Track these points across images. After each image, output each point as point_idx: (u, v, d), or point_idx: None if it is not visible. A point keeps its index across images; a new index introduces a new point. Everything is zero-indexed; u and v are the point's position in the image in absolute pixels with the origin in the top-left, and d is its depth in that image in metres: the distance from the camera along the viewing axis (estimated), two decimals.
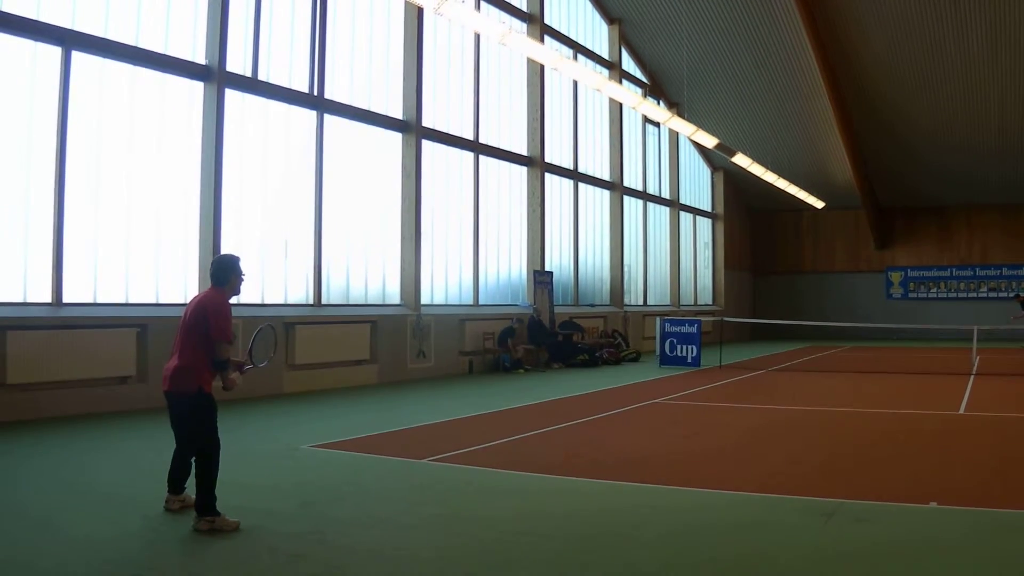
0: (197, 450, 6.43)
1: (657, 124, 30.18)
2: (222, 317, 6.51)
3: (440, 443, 9.99)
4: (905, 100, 28.09)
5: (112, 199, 13.30)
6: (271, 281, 15.82)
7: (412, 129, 18.60)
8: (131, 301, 13.41)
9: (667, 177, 32.37)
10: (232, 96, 14.83)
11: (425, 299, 18.97)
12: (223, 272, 6.68)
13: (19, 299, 11.99)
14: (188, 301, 6.81)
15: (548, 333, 21.99)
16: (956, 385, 16.17)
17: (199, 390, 6.44)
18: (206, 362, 6.48)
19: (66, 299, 12.44)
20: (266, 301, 15.59)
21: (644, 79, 29.47)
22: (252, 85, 15.31)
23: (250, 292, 15.27)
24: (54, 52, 12.31)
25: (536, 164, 23.07)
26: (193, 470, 6.42)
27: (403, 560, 5.61)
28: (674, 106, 29.39)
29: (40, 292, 12.22)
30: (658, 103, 28.37)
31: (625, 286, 28.19)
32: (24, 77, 12.13)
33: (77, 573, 5.31)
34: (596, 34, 26.86)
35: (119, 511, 6.73)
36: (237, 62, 14.99)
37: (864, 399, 14.50)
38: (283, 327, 15.23)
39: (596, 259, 27.09)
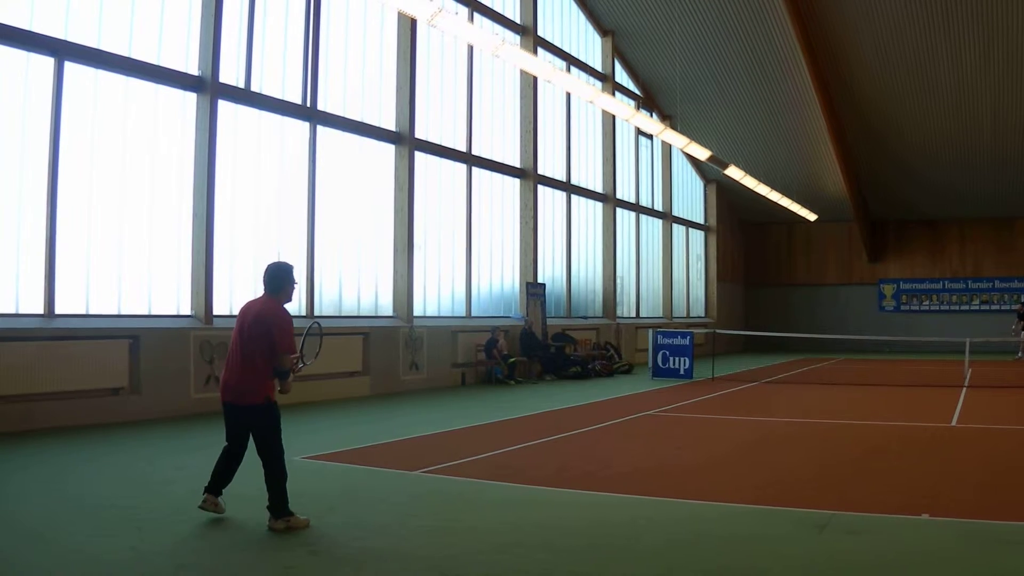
0: (273, 456, 6.58)
1: (650, 136, 30.29)
2: (286, 331, 6.63)
3: (432, 455, 9.97)
4: (898, 113, 28.22)
5: (105, 210, 13.28)
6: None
7: (405, 141, 18.62)
8: (124, 312, 13.38)
9: (660, 189, 32.43)
10: (225, 107, 14.83)
11: (418, 311, 18.96)
12: (277, 280, 6.77)
13: (11, 310, 11.94)
14: (240, 309, 6.93)
15: (541, 345, 21.99)
16: (948, 397, 16.19)
17: (267, 400, 6.62)
18: (269, 372, 6.61)
19: (58, 310, 12.40)
20: None
21: (637, 91, 29.57)
22: (245, 96, 15.32)
23: (242, 303, 15.21)
24: (47, 63, 12.31)
25: (529, 176, 23.11)
26: (264, 475, 6.58)
27: (395, 571, 5.60)
28: (667, 118, 29.50)
29: (32, 303, 12.18)
30: (651, 115, 28.45)
31: (618, 298, 28.19)
32: (17, 87, 12.12)
33: None
34: (589, 46, 26.95)
35: (111, 522, 6.70)
36: (230, 73, 15.00)
37: (856, 411, 14.51)
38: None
39: (589, 271, 27.11)
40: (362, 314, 17.82)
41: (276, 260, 6.99)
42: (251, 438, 6.77)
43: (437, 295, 20.25)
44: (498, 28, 21.80)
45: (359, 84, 17.96)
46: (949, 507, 7.28)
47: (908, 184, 32.87)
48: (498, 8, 22.09)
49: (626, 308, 29.48)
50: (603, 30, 27.23)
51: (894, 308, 37.03)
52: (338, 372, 16.50)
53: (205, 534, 6.33)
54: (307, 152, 16.66)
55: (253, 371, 6.58)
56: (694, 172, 35.33)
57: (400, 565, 5.72)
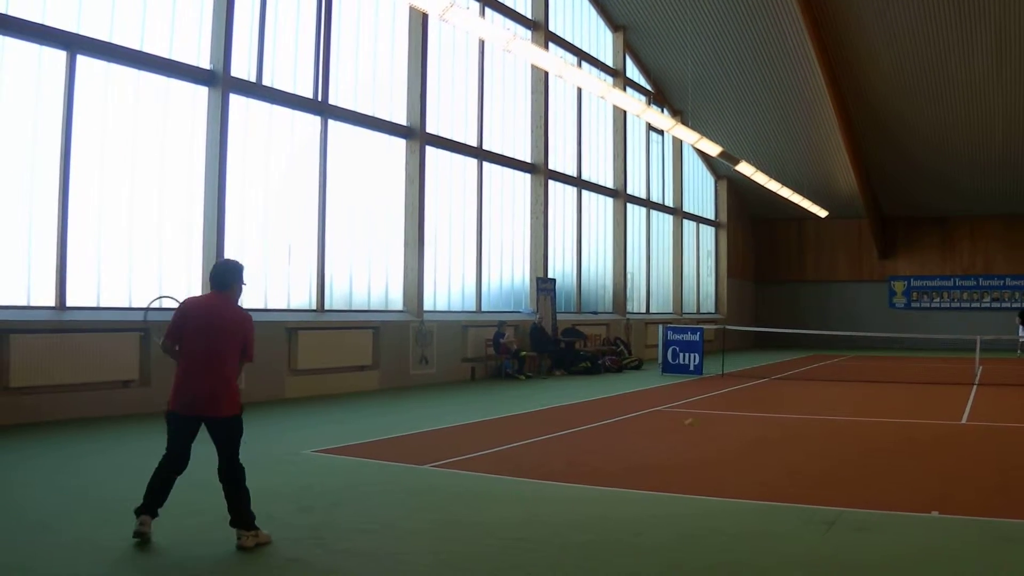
0: (241, 469, 6.07)
1: (661, 132, 30.22)
2: (253, 338, 6.28)
3: (441, 449, 9.98)
4: (909, 110, 28.10)
5: (116, 203, 13.33)
6: (274, 286, 15.83)
7: (416, 135, 18.62)
8: (134, 305, 13.41)
9: (670, 185, 32.38)
10: (236, 101, 14.85)
11: (428, 305, 18.96)
12: (228, 277, 6.28)
13: (23, 302, 12.01)
14: (189, 309, 6.20)
15: (551, 340, 21.98)
16: (958, 395, 16.14)
17: (241, 409, 6.16)
18: (236, 377, 6.21)
19: (69, 303, 12.46)
20: (269, 306, 15.60)
21: (648, 87, 29.50)
22: (256, 90, 15.34)
23: (253, 297, 15.29)
24: (59, 56, 12.35)
25: (540, 171, 23.08)
26: (232, 491, 6.03)
27: (402, 565, 5.61)
28: (678, 114, 29.42)
29: (43, 295, 12.24)
30: (662, 111, 28.37)
31: (628, 294, 28.18)
32: (29, 81, 12.16)
33: None
34: (600, 42, 26.90)
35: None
36: (242, 67, 15.03)
37: (866, 408, 14.47)
38: (286, 332, 15.26)
39: (599, 266, 27.09)
40: (372, 308, 17.84)
41: (226, 258, 6.45)
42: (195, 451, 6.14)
43: (447, 289, 20.27)
44: (509, 23, 21.79)
45: (370, 78, 17.97)
46: (959, 505, 7.25)
47: (919, 181, 32.75)
48: (509, 3, 22.06)
49: (636, 304, 29.47)
50: (615, 26, 27.17)
51: (904, 305, 36.92)
52: (348, 366, 16.52)
53: (211, 526, 6.34)
54: (318, 146, 16.68)
55: (226, 377, 6.05)
56: (705, 168, 35.26)
57: (407, 559, 5.74)
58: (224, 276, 6.27)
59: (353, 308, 17.42)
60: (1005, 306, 34.53)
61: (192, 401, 5.97)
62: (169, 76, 13.94)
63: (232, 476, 6.05)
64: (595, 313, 26.31)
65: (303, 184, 16.47)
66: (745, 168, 24.80)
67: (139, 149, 13.64)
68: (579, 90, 25.21)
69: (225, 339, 6.09)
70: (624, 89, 26.15)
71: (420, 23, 18.61)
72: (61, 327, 12.00)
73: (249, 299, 15.13)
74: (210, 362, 6.00)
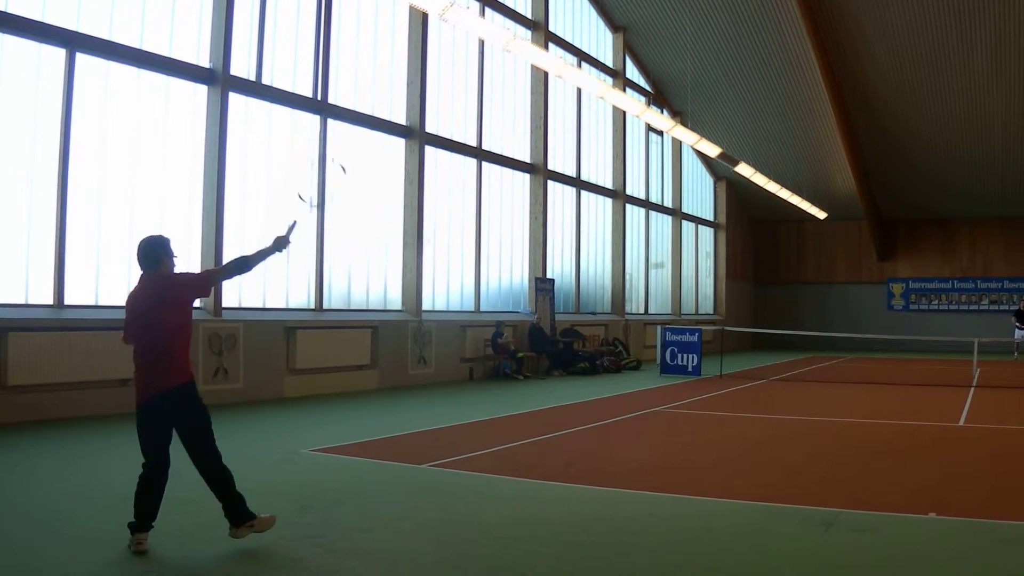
0: (216, 449, 5.92)
1: (660, 133, 30.23)
2: (193, 275, 6.38)
3: (440, 449, 9.98)
4: (908, 112, 28.12)
5: (115, 201, 13.30)
6: (272, 285, 15.82)
7: (415, 135, 18.62)
8: None
9: (669, 186, 32.38)
10: (236, 100, 14.84)
11: (426, 305, 18.96)
12: (157, 251, 6.05)
13: (21, 300, 11.99)
14: (127, 306, 6.19)
15: (549, 340, 21.98)
16: (956, 397, 16.15)
17: (192, 377, 5.97)
18: (188, 350, 6.01)
19: (68, 301, 12.44)
20: (268, 305, 15.60)
21: (648, 88, 29.50)
22: (256, 89, 15.33)
23: (252, 296, 15.29)
24: (58, 54, 12.32)
25: (539, 171, 23.08)
26: (213, 476, 5.93)
27: (402, 565, 5.62)
28: (677, 115, 29.43)
29: (42, 294, 12.22)
30: (661, 112, 28.35)
31: (626, 294, 28.19)
32: (28, 79, 12.14)
33: (78, 575, 5.30)
34: (600, 42, 26.90)
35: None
36: (241, 66, 15.02)
37: (864, 410, 14.48)
38: (284, 331, 15.25)
39: (598, 267, 27.09)
40: (371, 307, 17.83)
41: (148, 235, 6.18)
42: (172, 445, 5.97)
43: (446, 289, 20.27)
44: (509, 23, 21.79)
45: (370, 78, 17.96)
46: (956, 506, 7.26)
47: (918, 183, 32.76)
48: (510, 3, 22.05)
49: (635, 304, 29.48)
50: (614, 26, 27.17)
51: (903, 307, 36.93)
52: (346, 365, 16.50)
53: (213, 525, 6.33)
54: (317, 145, 16.66)
55: (166, 345, 5.85)
56: (704, 169, 35.26)
57: (406, 558, 5.74)
58: (151, 252, 6.02)
59: (352, 307, 17.41)
60: (1004, 308, 34.54)
61: (143, 388, 5.96)
62: (169, 74, 13.92)
63: (208, 456, 5.92)
64: (594, 314, 26.32)
65: (302, 183, 16.44)
66: (744, 169, 24.81)
67: (138, 147, 13.62)
68: (579, 90, 25.20)
69: (154, 312, 5.89)
70: (624, 90, 26.14)
71: (420, 23, 18.60)
72: (59, 325, 11.98)
73: (248, 298, 15.18)
74: (146, 339, 5.92)
